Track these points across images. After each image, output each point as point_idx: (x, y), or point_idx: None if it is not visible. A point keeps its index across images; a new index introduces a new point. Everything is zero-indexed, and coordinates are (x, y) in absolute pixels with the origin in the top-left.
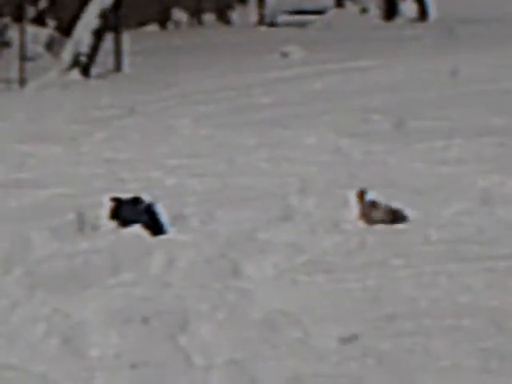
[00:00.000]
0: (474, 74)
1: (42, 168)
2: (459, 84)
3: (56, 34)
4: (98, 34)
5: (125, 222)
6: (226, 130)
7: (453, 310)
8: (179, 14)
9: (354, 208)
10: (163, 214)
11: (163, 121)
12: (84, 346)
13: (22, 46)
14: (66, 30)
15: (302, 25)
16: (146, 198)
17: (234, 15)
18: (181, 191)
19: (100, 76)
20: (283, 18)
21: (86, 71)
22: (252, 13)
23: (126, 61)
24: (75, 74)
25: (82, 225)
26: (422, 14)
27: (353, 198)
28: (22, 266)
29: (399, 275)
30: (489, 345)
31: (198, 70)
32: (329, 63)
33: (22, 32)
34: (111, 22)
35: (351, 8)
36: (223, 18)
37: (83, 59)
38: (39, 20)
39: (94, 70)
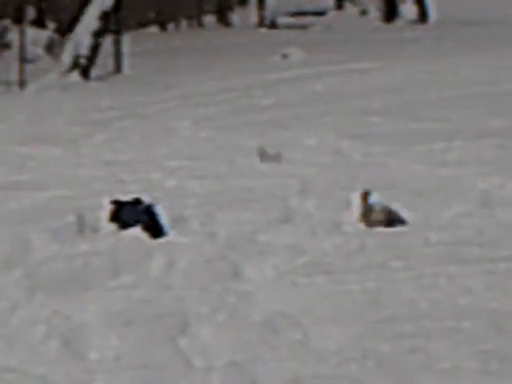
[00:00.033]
0: (473, 75)
1: (41, 170)
2: (459, 86)
3: (56, 36)
4: (98, 36)
5: (125, 225)
6: (226, 131)
7: (453, 312)
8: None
9: (355, 210)
10: (163, 215)
11: (163, 122)
12: (84, 348)
13: (22, 47)
14: (66, 31)
15: (302, 26)
16: (146, 199)
17: (234, 17)
18: (181, 193)
19: (100, 78)
20: (283, 20)
21: (85, 73)
22: (252, 14)
23: (126, 62)
24: (75, 75)
25: (82, 227)
26: (422, 16)
27: (355, 199)
28: (21, 267)
29: (399, 277)
30: (489, 347)
31: (199, 72)
32: (329, 65)
33: (22, 34)
34: (111, 24)
35: (351, 10)
36: (223, 19)
37: (83, 61)
38: (39, 22)
39: (93, 72)
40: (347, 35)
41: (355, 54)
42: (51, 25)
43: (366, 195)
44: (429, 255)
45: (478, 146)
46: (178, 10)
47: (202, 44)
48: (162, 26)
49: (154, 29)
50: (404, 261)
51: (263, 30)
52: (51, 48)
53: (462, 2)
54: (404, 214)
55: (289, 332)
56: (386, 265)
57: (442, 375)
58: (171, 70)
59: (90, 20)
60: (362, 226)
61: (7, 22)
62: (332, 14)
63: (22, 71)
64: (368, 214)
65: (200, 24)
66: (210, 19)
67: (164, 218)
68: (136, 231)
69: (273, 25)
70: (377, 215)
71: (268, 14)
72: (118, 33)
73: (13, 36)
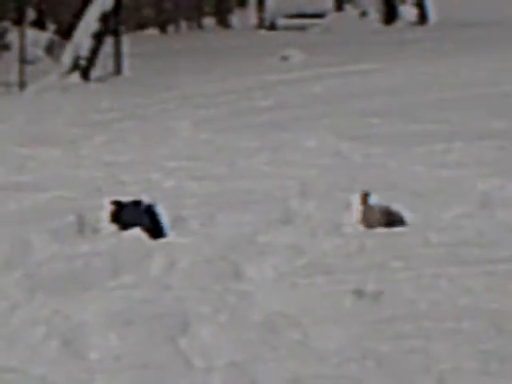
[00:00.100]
0: (474, 77)
1: (42, 171)
2: (459, 87)
3: (56, 38)
4: (98, 38)
5: (125, 225)
6: (226, 133)
7: (453, 313)
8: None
9: (354, 211)
10: (164, 215)
11: (163, 124)
12: (84, 348)
13: (22, 49)
14: (66, 33)
15: (301, 28)
16: (146, 200)
17: (234, 19)
18: (180, 194)
19: (100, 79)
20: (283, 22)
21: (85, 74)
22: (252, 16)
23: (126, 64)
24: (75, 77)
25: (82, 227)
26: (422, 17)
27: (355, 200)
28: (22, 268)
29: (399, 278)
30: (489, 347)
31: (198, 74)
32: (328, 66)
33: (22, 35)
34: (111, 26)
35: (351, 12)
36: (223, 21)
37: (83, 62)
38: (39, 23)
39: (93, 73)
40: (347, 37)
41: (355, 56)
42: (51, 26)
43: (365, 196)
44: (429, 256)
45: (478, 148)
46: (178, 11)
47: (202, 46)
48: (162, 28)
49: (153, 30)
50: (404, 261)
51: (263, 32)
52: (51, 49)
53: (462, 4)
54: (404, 214)
55: (289, 332)
56: (385, 265)
57: (442, 375)
58: (171, 71)
59: (90, 21)
60: (361, 227)
61: (7, 23)
62: (331, 16)
63: (21, 72)
64: (367, 215)
65: (200, 26)
66: (209, 21)
67: (164, 218)
68: (136, 232)
69: (272, 27)
70: (376, 216)
71: (267, 15)
72: (117, 34)
73: (13, 37)
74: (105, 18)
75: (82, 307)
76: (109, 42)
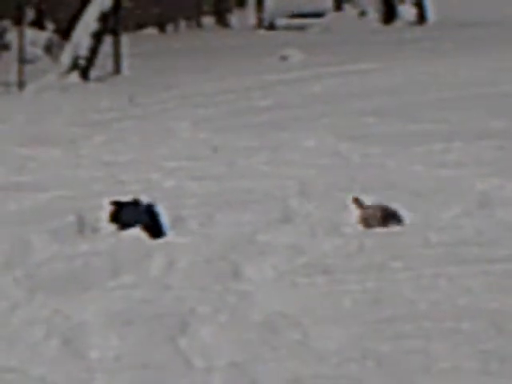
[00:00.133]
0: (473, 77)
1: (41, 171)
2: (458, 87)
3: (55, 37)
4: (97, 37)
5: (125, 225)
6: (225, 132)
7: (452, 313)
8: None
9: (353, 211)
10: (163, 215)
11: (162, 123)
12: (84, 348)
13: (21, 48)
14: (65, 33)
15: (300, 28)
16: (145, 200)
17: (233, 18)
18: (180, 193)
19: (99, 79)
20: (282, 22)
21: (85, 74)
22: (251, 16)
23: (125, 63)
24: (74, 76)
25: (82, 227)
26: (421, 17)
27: (350, 204)
28: (22, 268)
29: (399, 277)
30: (489, 347)
31: (197, 73)
32: (328, 66)
33: (21, 35)
34: (110, 25)
35: (350, 11)
36: (222, 21)
37: (82, 62)
38: (38, 23)
39: (93, 73)
40: (346, 36)
41: (354, 56)
42: (50, 26)
43: (356, 200)
44: (428, 256)
45: (478, 147)
46: (177, 11)
47: (201, 45)
48: (161, 27)
49: (152, 30)
50: (403, 261)
51: (262, 32)
52: (50, 49)
53: (461, 4)
54: (403, 214)
55: (289, 332)
56: (385, 265)
57: (442, 375)
58: (170, 71)
59: (89, 21)
60: (360, 226)
61: (7, 22)
62: (331, 16)
63: (21, 72)
64: (364, 213)
65: (199, 25)
66: (208, 20)
67: (164, 217)
68: (136, 231)
69: (271, 26)
70: (372, 212)
71: (266, 15)
72: (117, 34)
73: (12, 37)
74: (104, 17)
75: (82, 307)
76: (108, 41)
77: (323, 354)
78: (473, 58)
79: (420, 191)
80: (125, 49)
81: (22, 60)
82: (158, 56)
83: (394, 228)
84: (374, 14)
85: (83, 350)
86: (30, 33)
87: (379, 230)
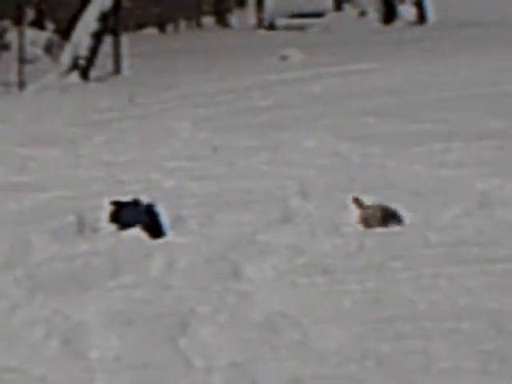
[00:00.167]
0: (473, 77)
1: (41, 171)
2: (458, 87)
3: (55, 37)
4: (97, 37)
5: (125, 225)
6: (225, 132)
7: (452, 313)
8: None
9: (353, 211)
10: (163, 215)
11: (162, 123)
12: (84, 347)
13: (21, 48)
14: (65, 32)
15: (300, 28)
16: (145, 200)
17: (233, 18)
18: (180, 193)
19: (99, 79)
20: (282, 22)
21: (85, 74)
22: (251, 16)
23: (125, 63)
24: (74, 76)
25: (82, 227)
26: (421, 17)
27: (350, 204)
28: (22, 268)
29: (399, 278)
30: (489, 347)
31: (197, 73)
32: (328, 66)
33: (21, 35)
34: (110, 25)
35: (350, 11)
36: (222, 21)
37: (82, 62)
38: (38, 23)
39: (93, 73)
40: (346, 36)
41: (354, 56)
42: (50, 26)
43: (356, 200)
44: (428, 256)
45: (478, 147)
46: (177, 11)
47: (201, 45)
48: (161, 27)
49: (152, 30)
50: (403, 261)
51: (262, 32)
52: (50, 49)
53: (461, 4)
54: (403, 214)
55: (289, 332)
56: (385, 265)
57: (442, 375)
58: (170, 71)
59: (89, 21)
60: (360, 226)
61: (7, 22)
62: (331, 16)
63: (21, 72)
64: (364, 213)
65: (199, 25)
66: (208, 20)
67: (164, 217)
68: (136, 231)
69: (271, 26)
70: (372, 212)
71: (266, 15)
72: (117, 34)
73: (12, 37)
74: (104, 17)
75: (82, 307)
76: (108, 41)
77: (323, 354)
78: (473, 57)
79: (420, 191)
80: (125, 49)
81: (22, 60)
82: (158, 56)
83: (394, 228)
84: (374, 14)
85: (83, 350)
86: (30, 33)
87: (379, 230)
